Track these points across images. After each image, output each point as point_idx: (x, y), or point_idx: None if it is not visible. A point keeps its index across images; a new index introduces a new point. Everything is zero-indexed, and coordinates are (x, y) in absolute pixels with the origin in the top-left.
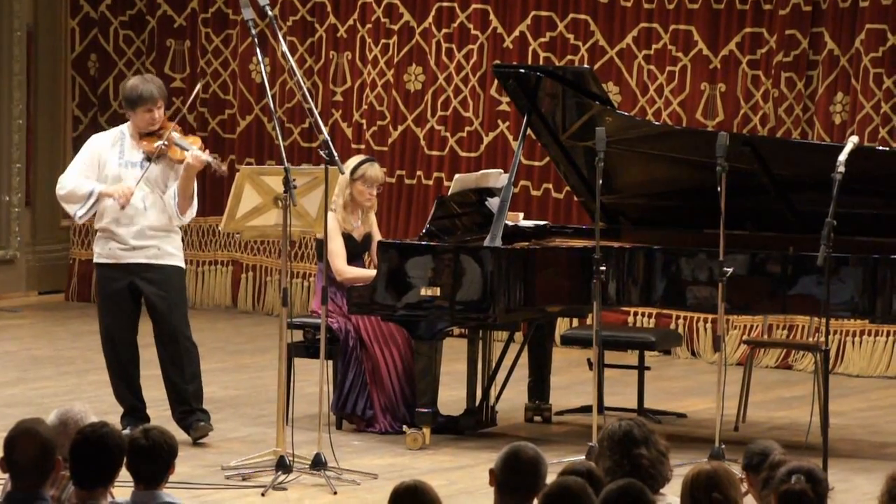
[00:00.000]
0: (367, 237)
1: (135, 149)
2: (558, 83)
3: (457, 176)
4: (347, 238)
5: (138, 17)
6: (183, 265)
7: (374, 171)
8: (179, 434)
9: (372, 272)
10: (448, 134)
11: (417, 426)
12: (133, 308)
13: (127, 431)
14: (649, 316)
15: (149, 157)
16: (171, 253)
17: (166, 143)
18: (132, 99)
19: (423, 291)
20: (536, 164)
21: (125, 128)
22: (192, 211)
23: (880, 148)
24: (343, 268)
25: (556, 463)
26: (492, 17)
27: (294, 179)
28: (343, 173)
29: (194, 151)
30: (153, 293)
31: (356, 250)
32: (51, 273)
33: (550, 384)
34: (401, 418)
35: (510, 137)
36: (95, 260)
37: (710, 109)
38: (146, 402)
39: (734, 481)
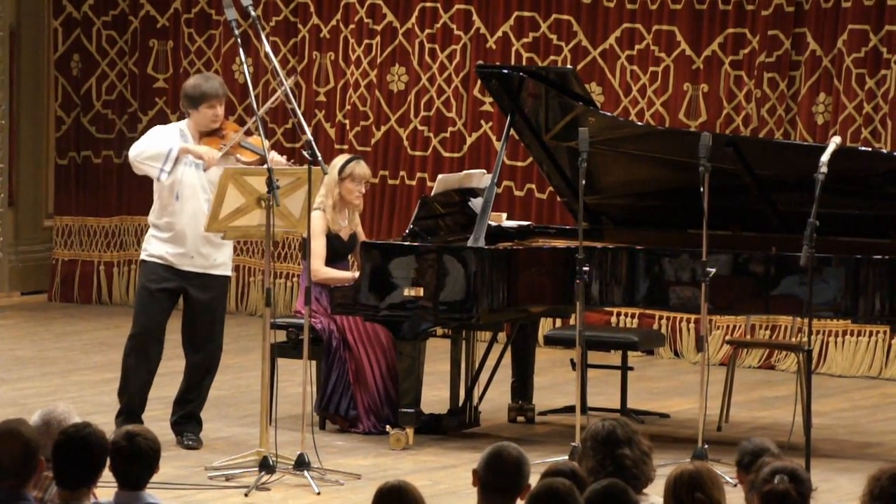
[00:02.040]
0: (353, 237)
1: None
2: (541, 84)
3: (440, 176)
4: (335, 238)
5: (121, 18)
6: (230, 273)
7: (362, 168)
8: (166, 434)
9: (346, 274)
10: (431, 134)
11: (401, 426)
12: (171, 309)
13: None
14: (632, 316)
15: None
16: (224, 263)
17: (233, 145)
18: (195, 96)
19: (406, 292)
20: (520, 164)
21: (183, 126)
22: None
23: (862, 148)
24: (319, 267)
25: (539, 463)
26: (475, 17)
27: (277, 180)
28: (326, 173)
29: (273, 155)
30: (202, 300)
31: (343, 250)
32: (33, 273)
33: (533, 384)
34: (384, 418)
35: (493, 138)
36: (144, 257)
37: (693, 110)
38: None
39: (717, 481)
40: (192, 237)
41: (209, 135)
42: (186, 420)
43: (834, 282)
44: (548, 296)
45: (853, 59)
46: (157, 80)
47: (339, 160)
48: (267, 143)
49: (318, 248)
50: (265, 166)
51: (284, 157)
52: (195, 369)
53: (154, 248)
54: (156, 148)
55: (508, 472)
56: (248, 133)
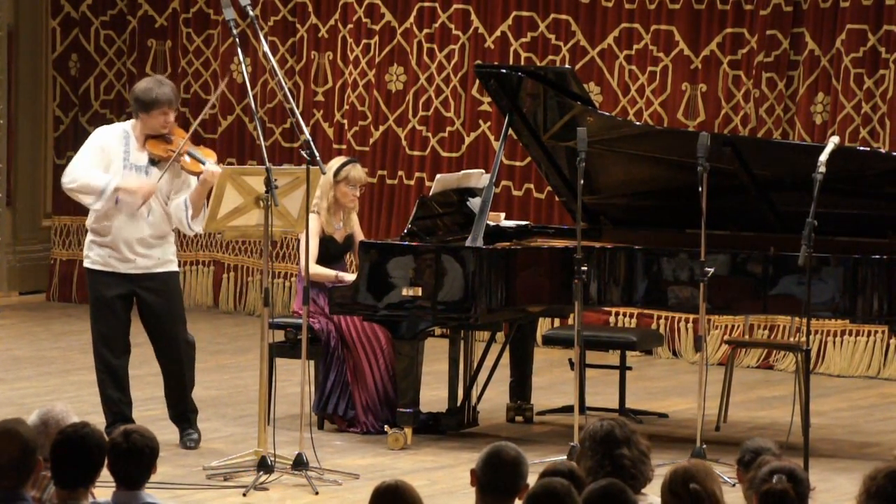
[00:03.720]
0: (349, 238)
1: (140, 151)
2: (539, 83)
3: (438, 176)
4: (328, 240)
5: (119, 18)
6: (178, 268)
7: (357, 171)
8: (164, 433)
9: (330, 272)
10: (429, 134)
11: (399, 426)
12: (127, 313)
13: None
14: (631, 316)
15: (153, 161)
16: (169, 259)
17: (181, 153)
18: (146, 102)
19: (404, 291)
20: (518, 164)
21: (129, 127)
22: (201, 220)
23: (861, 148)
24: (310, 265)
25: (537, 463)
26: (473, 17)
27: (275, 179)
28: (325, 173)
29: (211, 166)
30: (154, 302)
31: (337, 251)
32: (32, 273)
33: (532, 384)
34: (382, 418)
35: (491, 138)
36: (88, 265)
37: (692, 109)
38: (132, 403)
39: (711, 474)
40: (127, 240)
41: (156, 138)
42: (182, 415)
43: (832, 282)
44: (546, 295)
45: (851, 58)
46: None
47: (335, 162)
48: (214, 155)
49: (311, 248)
50: (264, 166)
51: (222, 165)
52: (170, 373)
53: (94, 252)
54: (92, 182)
55: (506, 472)
56: (194, 140)
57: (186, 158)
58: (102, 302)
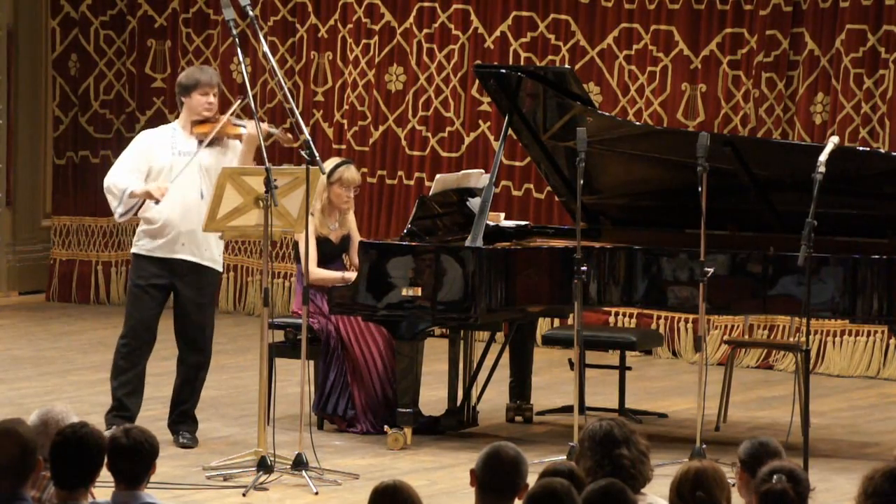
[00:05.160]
0: (345, 239)
1: (188, 138)
2: (539, 83)
3: (438, 176)
4: (323, 241)
5: (119, 18)
6: (221, 270)
7: (351, 173)
8: (161, 435)
9: (336, 274)
10: (429, 134)
11: (399, 426)
12: (162, 304)
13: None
14: (630, 316)
15: (200, 142)
16: (215, 258)
17: (223, 125)
18: (187, 85)
19: (404, 292)
20: (518, 164)
21: (175, 124)
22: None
23: (861, 148)
24: (311, 269)
25: (537, 463)
26: (473, 17)
27: (275, 180)
28: (324, 173)
29: (251, 126)
30: (189, 297)
31: (333, 252)
32: (31, 273)
33: (532, 384)
34: (382, 418)
35: (491, 138)
36: (136, 251)
37: (691, 110)
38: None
39: (722, 481)
40: (179, 224)
41: (202, 123)
42: (182, 419)
43: (832, 282)
44: (546, 296)
45: (851, 58)
46: (154, 79)
47: (329, 163)
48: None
49: (309, 250)
50: (264, 166)
51: (273, 126)
52: (189, 366)
53: (144, 241)
54: (113, 187)
55: (506, 472)
56: (236, 115)
57: (230, 125)
58: (142, 288)
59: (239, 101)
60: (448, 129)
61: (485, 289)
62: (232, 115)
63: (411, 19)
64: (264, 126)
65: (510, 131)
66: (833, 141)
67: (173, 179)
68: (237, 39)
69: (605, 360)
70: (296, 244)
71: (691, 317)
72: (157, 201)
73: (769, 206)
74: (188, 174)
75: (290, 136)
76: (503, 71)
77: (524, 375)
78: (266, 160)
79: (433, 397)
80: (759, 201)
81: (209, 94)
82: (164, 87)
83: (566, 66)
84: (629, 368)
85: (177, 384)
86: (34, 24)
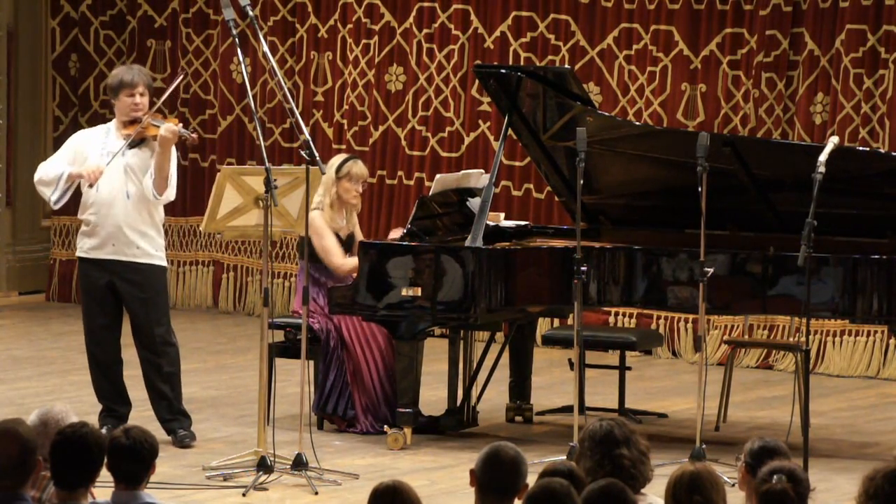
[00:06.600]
0: (351, 237)
1: (118, 139)
2: (539, 83)
3: (438, 176)
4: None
5: (119, 18)
6: (164, 264)
7: (359, 168)
8: (161, 434)
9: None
10: (429, 134)
11: (398, 426)
12: (115, 305)
13: (105, 432)
14: (630, 316)
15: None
16: (150, 253)
17: (143, 125)
18: (114, 86)
19: (404, 292)
20: (517, 164)
21: (111, 124)
22: (169, 193)
23: (860, 148)
24: (341, 262)
25: (536, 463)
26: (472, 17)
27: (275, 179)
28: (324, 173)
29: (167, 125)
30: (130, 294)
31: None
32: (31, 273)
33: (531, 384)
34: (382, 418)
35: (491, 138)
36: (77, 254)
37: (691, 110)
38: (131, 402)
39: (717, 484)
40: (114, 222)
41: (131, 123)
42: (172, 417)
43: (832, 282)
44: (546, 296)
45: (851, 58)
46: (155, 79)
47: (337, 159)
48: (177, 121)
49: (331, 244)
50: (264, 166)
51: (184, 126)
52: (145, 368)
53: (81, 241)
54: (45, 176)
55: (506, 472)
56: (160, 113)
57: (150, 126)
58: (88, 292)
59: (181, 78)
60: (448, 129)
61: (485, 289)
62: (154, 113)
63: (411, 19)
64: (173, 126)
65: (510, 131)
66: (833, 141)
67: (108, 162)
68: (237, 39)
69: (605, 360)
70: (306, 242)
71: (691, 317)
72: (91, 184)
73: (769, 206)
74: (113, 174)
75: (195, 136)
76: (503, 71)
77: (524, 375)
78: (266, 160)
79: (433, 397)
80: (758, 201)
81: (135, 94)
82: (165, 87)
83: (566, 66)
84: (629, 368)
85: (148, 389)
86: (34, 24)
